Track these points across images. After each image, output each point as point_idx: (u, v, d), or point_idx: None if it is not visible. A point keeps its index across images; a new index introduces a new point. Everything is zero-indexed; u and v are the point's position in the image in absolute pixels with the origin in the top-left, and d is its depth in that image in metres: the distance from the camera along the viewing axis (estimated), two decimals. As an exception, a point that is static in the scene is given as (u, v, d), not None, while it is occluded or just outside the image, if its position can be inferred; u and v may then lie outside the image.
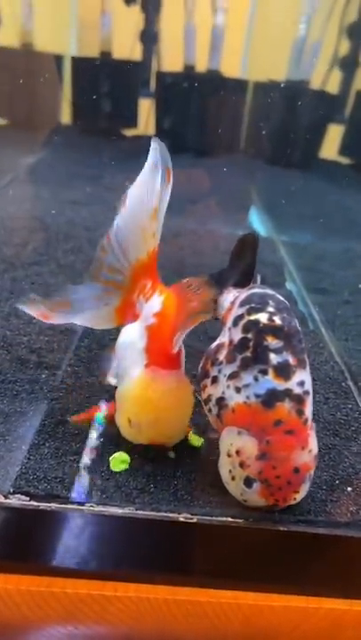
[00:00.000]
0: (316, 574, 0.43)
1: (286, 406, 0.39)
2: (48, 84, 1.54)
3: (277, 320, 0.42)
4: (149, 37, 1.65)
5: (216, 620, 0.43)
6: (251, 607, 0.43)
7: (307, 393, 0.41)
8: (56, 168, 1.34)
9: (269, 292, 0.45)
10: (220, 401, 0.42)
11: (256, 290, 0.46)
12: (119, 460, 0.45)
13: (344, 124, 1.64)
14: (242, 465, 0.39)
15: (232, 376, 0.41)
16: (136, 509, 0.41)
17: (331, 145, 1.63)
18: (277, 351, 0.40)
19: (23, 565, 0.42)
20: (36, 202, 1.07)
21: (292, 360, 0.41)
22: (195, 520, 0.41)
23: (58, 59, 1.58)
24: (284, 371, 0.40)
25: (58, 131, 1.55)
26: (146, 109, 1.68)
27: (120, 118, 1.70)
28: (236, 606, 0.43)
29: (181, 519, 0.41)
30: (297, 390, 0.40)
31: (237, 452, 0.39)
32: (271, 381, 0.40)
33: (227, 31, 1.56)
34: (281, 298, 0.45)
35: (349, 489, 0.45)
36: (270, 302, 0.43)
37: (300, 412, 0.40)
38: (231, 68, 1.59)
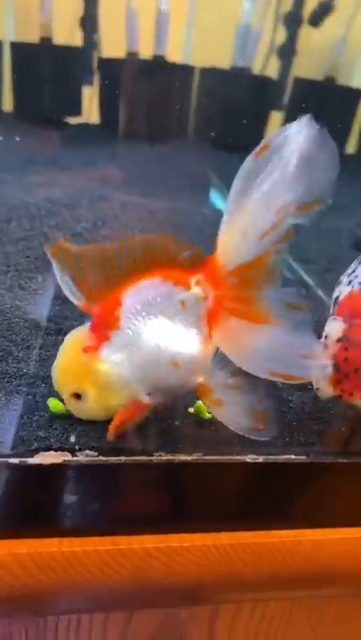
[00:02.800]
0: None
1: None
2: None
3: None
4: (90, 23, 1.62)
5: (280, 558, 0.44)
6: (311, 542, 0.45)
7: None
8: (8, 155, 1.30)
9: None
10: (335, 301, 0.43)
11: None
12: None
13: (284, 109, 1.71)
14: (324, 347, 0.39)
15: (350, 274, 0.43)
16: (203, 454, 0.41)
17: (273, 131, 1.69)
18: None
19: (88, 527, 0.41)
20: (3, 185, 1.03)
21: None
22: (260, 460, 0.42)
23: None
24: None
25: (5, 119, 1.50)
26: (89, 97, 1.65)
27: (63, 106, 1.66)
28: (298, 543, 0.44)
29: (248, 460, 0.42)
30: None
31: (325, 337, 0.39)
32: None
33: (170, 17, 1.56)
34: None
35: None
36: None
37: None
38: (175, 53, 1.60)
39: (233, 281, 0.40)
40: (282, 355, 0.40)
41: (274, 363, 0.40)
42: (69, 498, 0.40)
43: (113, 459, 0.40)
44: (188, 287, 0.41)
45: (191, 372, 0.41)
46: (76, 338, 0.42)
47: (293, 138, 0.38)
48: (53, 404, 0.44)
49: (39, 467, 0.39)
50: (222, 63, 1.59)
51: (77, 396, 0.41)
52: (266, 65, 1.64)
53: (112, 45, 1.63)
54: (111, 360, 0.40)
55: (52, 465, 0.39)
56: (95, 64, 1.62)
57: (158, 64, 1.57)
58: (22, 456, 0.39)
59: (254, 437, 0.41)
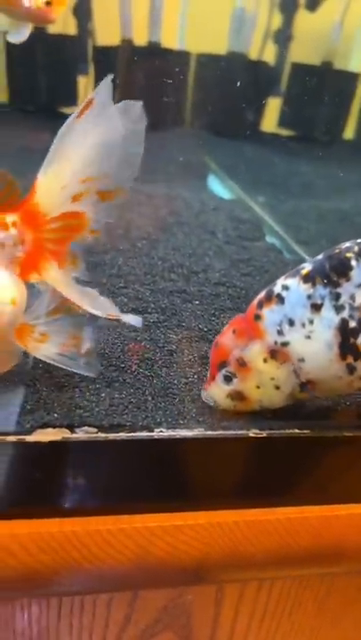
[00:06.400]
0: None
1: None
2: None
3: None
4: (84, 11, 1.61)
5: (286, 535, 0.43)
6: (318, 519, 0.44)
7: None
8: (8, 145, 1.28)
9: None
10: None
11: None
12: None
13: (281, 96, 1.69)
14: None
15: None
16: (205, 430, 0.40)
17: (270, 117, 1.67)
18: None
19: (89, 506, 0.40)
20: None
21: None
22: (264, 434, 0.41)
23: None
24: None
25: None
26: (85, 86, 1.64)
27: (58, 96, 1.65)
28: (304, 520, 0.43)
29: (251, 435, 0.41)
30: None
31: None
32: None
33: (164, 2, 1.55)
34: None
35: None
36: None
37: None
38: (170, 40, 1.58)
39: (53, 225, 0.42)
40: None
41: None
42: (69, 476, 0.39)
43: (113, 435, 0.39)
44: (4, 227, 0.42)
45: (21, 310, 0.42)
46: None
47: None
48: None
49: (37, 444, 0.38)
50: (218, 49, 1.58)
51: None
52: (262, 50, 1.62)
53: (107, 33, 1.61)
54: None
55: (51, 442, 0.38)
56: (90, 53, 1.60)
57: (153, 51, 1.55)
58: (20, 434, 0.38)
59: (82, 372, 0.43)
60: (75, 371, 0.43)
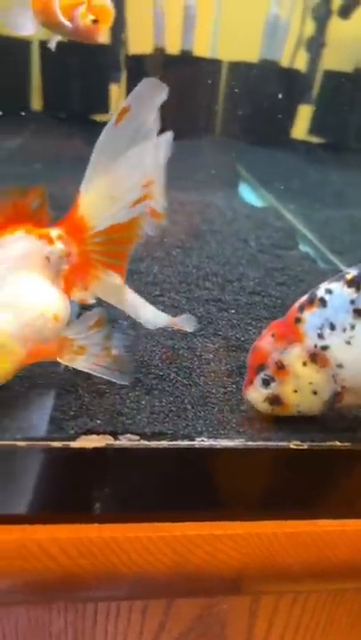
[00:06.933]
0: None
1: None
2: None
3: None
4: (117, 20, 1.63)
5: (325, 548, 0.43)
6: (357, 533, 0.43)
7: None
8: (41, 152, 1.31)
9: None
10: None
11: None
12: None
13: (312, 104, 1.68)
14: None
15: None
16: (246, 440, 0.40)
17: (301, 125, 1.67)
18: None
19: (129, 513, 0.41)
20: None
21: None
22: (305, 446, 0.41)
23: (25, 43, 1.54)
24: None
25: (31, 117, 1.51)
26: (117, 94, 1.66)
27: (91, 104, 1.67)
28: (343, 533, 0.43)
29: (292, 446, 0.41)
30: None
31: None
32: None
33: (197, 11, 1.56)
34: None
35: None
36: None
37: None
38: (202, 48, 1.59)
39: (100, 239, 0.42)
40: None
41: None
42: (111, 482, 0.40)
43: (155, 443, 0.39)
44: (50, 242, 0.42)
45: (63, 325, 0.42)
46: None
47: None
48: None
49: (81, 450, 0.38)
50: (250, 57, 1.58)
51: None
52: (294, 58, 1.62)
53: (139, 42, 1.63)
54: None
55: (95, 449, 0.38)
56: (123, 61, 1.62)
57: (186, 59, 1.57)
58: (64, 439, 0.38)
59: (115, 380, 0.44)
60: (109, 379, 0.44)
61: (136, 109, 0.40)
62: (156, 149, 0.41)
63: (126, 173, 0.41)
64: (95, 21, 0.61)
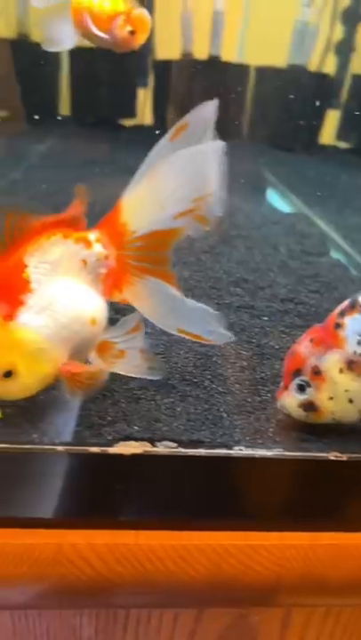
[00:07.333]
0: None
1: None
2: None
3: None
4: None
5: (361, 561, 0.42)
6: (396, 546, 0.42)
7: None
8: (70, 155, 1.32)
9: None
10: None
11: None
12: None
13: (340, 108, 1.67)
14: None
15: None
16: (283, 450, 0.40)
17: (329, 129, 1.65)
18: None
19: (165, 520, 0.40)
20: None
21: None
22: (344, 458, 0.40)
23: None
24: None
25: (60, 121, 1.53)
26: (143, 99, 1.67)
27: (118, 108, 1.68)
28: (381, 546, 0.42)
29: (331, 458, 0.40)
30: None
31: None
32: None
33: (225, 17, 1.56)
34: None
35: None
36: None
37: None
38: (230, 53, 1.59)
39: (139, 244, 0.42)
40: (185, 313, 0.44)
41: (182, 321, 0.44)
42: (148, 489, 0.40)
43: (192, 451, 0.39)
44: (87, 245, 0.42)
45: (101, 329, 0.42)
46: None
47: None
48: None
49: (119, 457, 0.38)
50: (278, 61, 1.57)
51: (6, 375, 0.38)
52: (323, 62, 1.61)
53: (167, 47, 1.63)
54: (35, 325, 0.38)
55: (133, 455, 0.38)
56: (150, 66, 1.63)
57: (213, 64, 1.57)
58: (102, 445, 0.38)
59: (148, 377, 0.45)
60: (141, 377, 0.45)
61: (192, 128, 0.40)
62: (210, 160, 0.40)
63: (175, 185, 0.41)
64: (132, 32, 0.62)
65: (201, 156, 0.40)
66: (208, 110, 0.40)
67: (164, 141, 0.41)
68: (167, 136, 0.41)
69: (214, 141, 0.41)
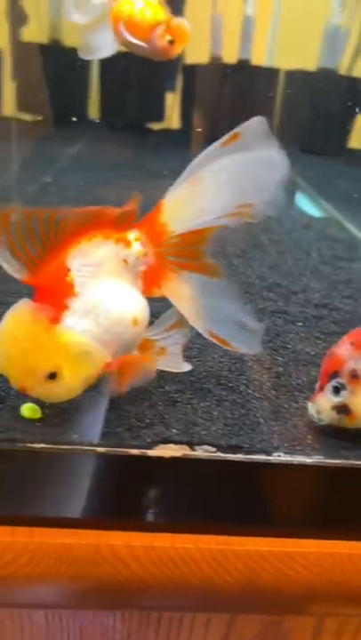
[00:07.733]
0: None
1: None
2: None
3: None
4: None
5: None
6: None
7: None
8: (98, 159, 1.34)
9: None
10: None
11: None
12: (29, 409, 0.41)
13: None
14: None
15: None
16: (323, 457, 0.40)
17: (359, 133, 1.64)
18: None
19: (203, 524, 0.41)
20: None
21: None
22: (383, 465, 0.40)
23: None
24: None
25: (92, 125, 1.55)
26: (172, 103, 1.67)
27: (146, 112, 1.69)
28: None
29: (368, 465, 0.40)
30: None
31: None
32: None
33: (256, 20, 1.55)
34: None
35: None
36: None
37: None
38: (260, 57, 1.59)
39: (177, 241, 0.42)
40: (219, 316, 0.43)
41: (214, 324, 0.43)
42: (186, 493, 0.40)
43: (231, 456, 0.39)
44: (127, 245, 0.42)
45: (143, 328, 0.43)
46: (23, 316, 0.38)
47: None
48: (29, 409, 0.41)
49: (159, 459, 0.38)
50: (308, 65, 1.57)
51: (51, 376, 0.38)
52: (353, 65, 1.60)
53: (196, 51, 1.64)
54: (80, 328, 0.38)
55: (172, 458, 0.38)
56: (179, 70, 1.64)
57: (243, 68, 1.57)
58: (142, 448, 0.39)
59: (179, 370, 0.46)
60: (176, 371, 0.46)
61: (244, 138, 0.40)
62: (264, 168, 0.41)
63: (220, 191, 0.41)
64: (171, 42, 0.63)
65: (252, 164, 0.41)
66: (261, 121, 0.41)
67: (213, 147, 0.41)
68: (218, 142, 0.41)
69: (270, 150, 0.41)
